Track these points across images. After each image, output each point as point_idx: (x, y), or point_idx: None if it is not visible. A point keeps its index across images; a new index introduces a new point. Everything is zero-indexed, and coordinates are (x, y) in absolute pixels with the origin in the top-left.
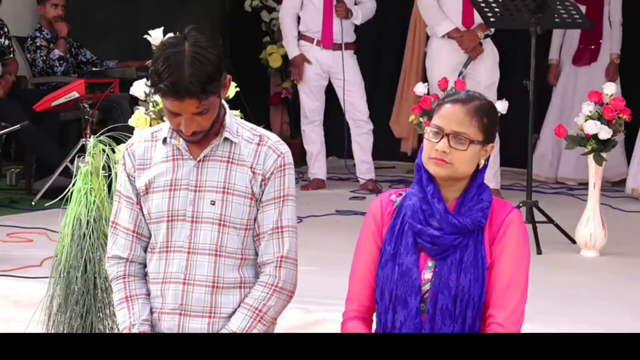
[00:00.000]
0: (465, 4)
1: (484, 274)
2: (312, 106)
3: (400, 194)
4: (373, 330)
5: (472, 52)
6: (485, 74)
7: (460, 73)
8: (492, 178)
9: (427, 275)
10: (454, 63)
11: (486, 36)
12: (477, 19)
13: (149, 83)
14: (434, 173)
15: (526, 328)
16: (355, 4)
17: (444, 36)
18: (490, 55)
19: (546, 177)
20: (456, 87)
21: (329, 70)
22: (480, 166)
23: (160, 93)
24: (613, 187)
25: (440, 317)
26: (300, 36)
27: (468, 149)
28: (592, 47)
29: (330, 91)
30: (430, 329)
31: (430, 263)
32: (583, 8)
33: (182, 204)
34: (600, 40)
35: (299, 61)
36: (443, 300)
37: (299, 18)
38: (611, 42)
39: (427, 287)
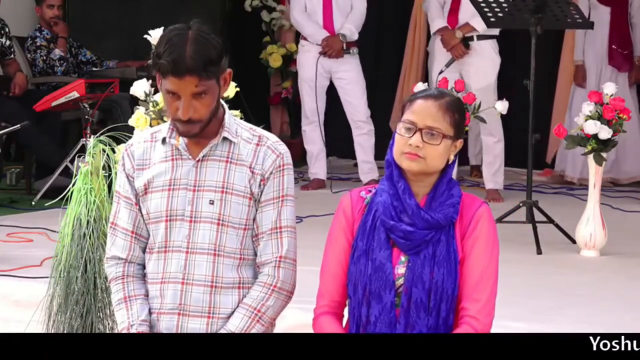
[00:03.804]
0: (454, 4)
1: (456, 267)
2: (313, 106)
3: (370, 191)
4: (344, 324)
5: (452, 50)
6: (474, 78)
7: (441, 72)
8: (490, 178)
9: (401, 269)
10: (446, 60)
11: (469, 38)
12: (462, 19)
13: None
14: (407, 168)
15: (526, 328)
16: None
17: (435, 33)
18: (483, 58)
19: (571, 178)
20: (456, 87)
21: (330, 70)
22: (450, 161)
23: (161, 72)
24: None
25: (414, 310)
26: (302, 36)
27: (441, 143)
28: (625, 52)
29: (330, 91)
30: (405, 323)
31: (403, 258)
32: (607, 10)
33: (181, 204)
34: (631, 48)
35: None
36: (417, 294)
37: None
38: (634, 44)
39: (400, 281)
